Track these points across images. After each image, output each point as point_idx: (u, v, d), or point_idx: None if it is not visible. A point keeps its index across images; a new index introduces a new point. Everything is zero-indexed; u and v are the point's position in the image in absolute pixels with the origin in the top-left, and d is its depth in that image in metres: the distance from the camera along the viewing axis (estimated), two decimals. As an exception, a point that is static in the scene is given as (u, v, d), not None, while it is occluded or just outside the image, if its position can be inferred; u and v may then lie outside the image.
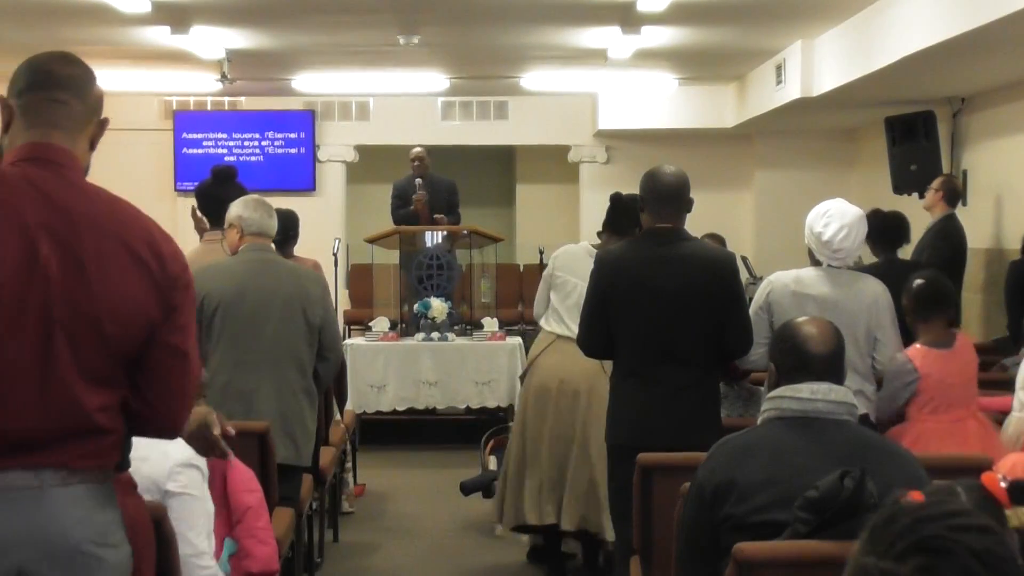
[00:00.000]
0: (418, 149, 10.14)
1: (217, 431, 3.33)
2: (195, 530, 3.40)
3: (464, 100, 12.93)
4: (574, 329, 5.04)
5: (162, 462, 3.37)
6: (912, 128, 9.28)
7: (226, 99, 12.72)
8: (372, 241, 9.52)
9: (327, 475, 5.95)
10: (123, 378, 2.46)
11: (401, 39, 9.06)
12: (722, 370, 4.70)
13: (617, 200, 5.49)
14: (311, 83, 11.84)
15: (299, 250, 7.35)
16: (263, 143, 12.86)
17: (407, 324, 8.95)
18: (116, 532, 2.48)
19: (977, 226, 8.72)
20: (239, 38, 9.33)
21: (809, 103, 9.64)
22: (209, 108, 12.89)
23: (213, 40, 9.28)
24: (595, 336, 4.59)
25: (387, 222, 10.35)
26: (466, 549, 6.63)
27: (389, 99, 12.79)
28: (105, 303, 2.40)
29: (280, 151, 12.87)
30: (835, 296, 4.54)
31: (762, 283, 4.77)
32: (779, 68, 9.89)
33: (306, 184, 12.84)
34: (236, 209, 5.02)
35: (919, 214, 8.35)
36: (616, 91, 12.13)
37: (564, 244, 6.08)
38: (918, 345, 4.73)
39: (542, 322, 5.83)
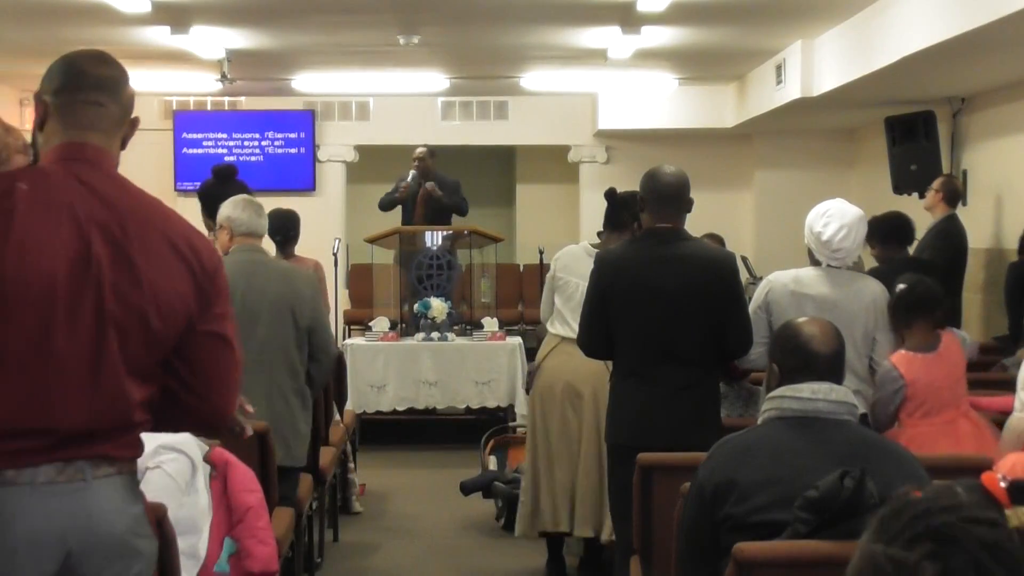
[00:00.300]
0: (420, 149, 10.13)
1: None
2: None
3: (464, 100, 12.93)
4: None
5: (147, 444, 3.38)
6: (912, 128, 9.29)
7: (226, 99, 12.72)
8: (372, 241, 9.53)
9: (327, 475, 5.96)
10: (159, 372, 2.50)
11: (401, 39, 9.06)
12: (722, 370, 4.70)
13: (613, 195, 5.49)
14: (311, 83, 11.83)
15: (298, 250, 7.36)
16: (263, 143, 12.85)
17: (407, 324, 8.96)
18: (146, 524, 2.53)
19: (977, 226, 8.72)
20: (239, 38, 9.33)
21: (809, 103, 9.64)
22: (209, 108, 12.89)
23: (213, 40, 9.28)
24: (595, 336, 4.59)
25: (387, 222, 10.36)
26: (466, 549, 6.63)
27: (389, 99, 12.79)
28: (151, 297, 2.44)
29: (280, 151, 12.87)
30: (834, 296, 4.54)
31: (761, 283, 4.77)
32: (779, 68, 9.89)
33: (306, 184, 12.84)
34: (226, 210, 5.00)
35: (919, 214, 8.36)
36: (616, 91, 12.12)
37: (564, 244, 6.08)
38: (903, 351, 4.70)
39: (548, 325, 5.81)
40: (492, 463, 7.36)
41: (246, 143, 12.81)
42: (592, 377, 5.47)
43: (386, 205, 10.22)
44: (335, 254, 10.04)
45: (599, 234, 5.66)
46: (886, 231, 6.64)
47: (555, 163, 13.53)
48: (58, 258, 2.38)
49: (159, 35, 8.82)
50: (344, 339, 10.59)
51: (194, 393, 2.54)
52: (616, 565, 4.76)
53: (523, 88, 11.86)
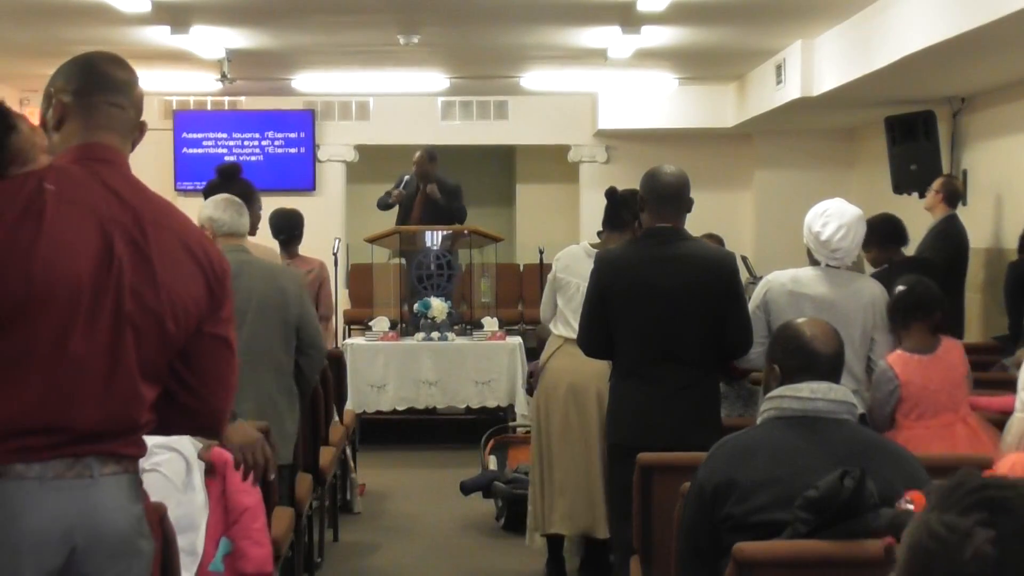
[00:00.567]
0: (418, 153, 10.09)
1: (270, 454, 3.46)
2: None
3: (464, 100, 12.92)
4: (579, 331, 5.03)
5: None
6: (912, 128, 9.28)
7: (226, 99, 12.72)
8: (372, 241, 9.53)
9: (327, 475, 5.95)
10: (167, 372, 2.51)
11: (401, 39, 9.06)
12: (722, 370, 4.69)
13: (613, 194, 5.48)
14: (311, 83, 11.83)
15: (299, 249, 7.36)
16: (263, 143, 12.85)
17: (407, 324, 8.96)
18: (146, 524, 2.54)
19: (977, 226, 8.71)
20: (239, 38, 9.33)
21: (809, 103, 9.64)
22: (209, 108, 12.89)
23: (213, 40, 9.28)
24: (595, 336, 4.59)
25: (387, 222, 10.36)
26: (466, 549, 6.63)
27: (389, 99, 12.79)
28: (167, 299, 2.46)
29: (280, 151, 12.87)
30: (832, 296, 4.53)
31: (760, 282, 4.77)
32: (779, 68, 9.89)
33: (306, 184, 12.84)
34: (207, 211, 4.97)
35: (920, 214, 8.36)
36: (616, 91, 12.12)
37: (564, 244, 6.07)
38: (899, 351, 4.69)
39: (551, 326, 5.80)
40: (492, 463, 7.36)
41: (246, 143, 12.81)
42: (596, 378, 5.44)
43: (383, 207, 10.27)
44: (335, 254, 10.02)
45: (599, 234, 5.66)
46: (886, 233, 6.66)
47: (555, 163, 13.52)
48: (84, 259, 2.39)
49: (159, 35, 8.82)
50: (344, 339, 10.59)
51: (194, 394, 2.55)
52: (616, 565, 4.76)
53: (523, 88, 11.86)
